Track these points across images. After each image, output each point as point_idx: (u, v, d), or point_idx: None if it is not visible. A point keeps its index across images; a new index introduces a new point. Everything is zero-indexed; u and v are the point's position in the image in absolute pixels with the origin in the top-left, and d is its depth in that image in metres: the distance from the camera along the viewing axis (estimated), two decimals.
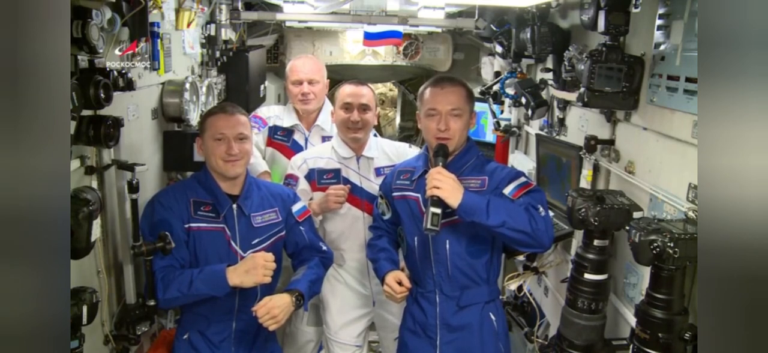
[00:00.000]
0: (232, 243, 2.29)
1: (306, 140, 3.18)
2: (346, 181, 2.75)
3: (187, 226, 2.25)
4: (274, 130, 3.21)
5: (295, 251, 2.50)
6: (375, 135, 2.96)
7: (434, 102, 2.23)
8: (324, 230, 2.84)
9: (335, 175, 2.76)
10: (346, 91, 2.73)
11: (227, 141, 2.24)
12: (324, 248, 2.54)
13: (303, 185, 2.77)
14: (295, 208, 2.48)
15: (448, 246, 2.27)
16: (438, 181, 2.06)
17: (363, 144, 2.78)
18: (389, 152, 2.84)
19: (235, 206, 2.31)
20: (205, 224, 2.27)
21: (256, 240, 2.34)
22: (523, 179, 2.21)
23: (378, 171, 2.77)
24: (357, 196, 2.74)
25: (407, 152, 2.82)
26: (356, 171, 2.77)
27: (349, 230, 2.78)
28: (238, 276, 2.14)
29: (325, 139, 3.13)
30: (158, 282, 2.18)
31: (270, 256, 2.20)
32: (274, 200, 2.44)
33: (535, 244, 2.11)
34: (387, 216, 2.50)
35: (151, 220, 2.22)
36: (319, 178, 2.77)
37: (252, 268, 2.15)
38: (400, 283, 2.32)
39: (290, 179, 2.79)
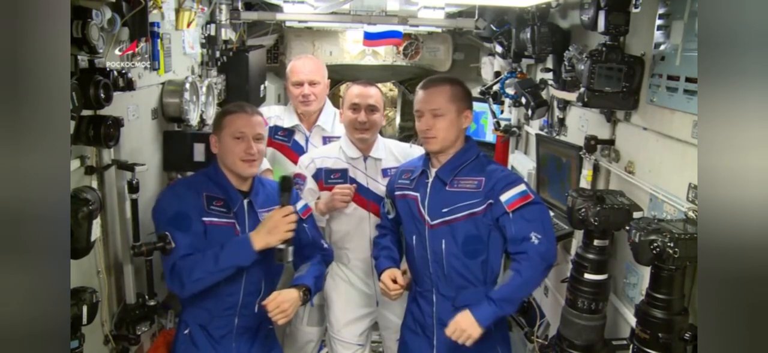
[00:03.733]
0: None
1: (307, 140, 3.18)
2: (353, 181, 2.77)
3: (202, 220, 2.25)
4: (274, 130, 3.21)
5: (298, 248, 2.50)
6: None
7: (419, 103, 2.29)
8: (330, 229, 2.85)
9: (342, 175, 2.77)
10: (354, 91, 2.74)
11: (247, 140, 2.25)
12: (325, 245, 2.56)
13: (310, 184, 2.79)
14: (298, 206, 2.49)
15: (443, 246, 2.27)
16: (464, 332, 2.12)
17: (370, 145, 2.79)
18: (397, 153, 2.84)
19: (246, 202, 2.33)
20: (217, 218, 2.27)
21: None
22: (523, 188, 2.21)
23: (385, 172, 2.77)
24: (363, 196, 2.75)
25: (414, 154, 2.83)
26: (363, 172, 2.78)
27: (354, 230, 2.79)
28: (262, 237, 2.16)
29: (326, 139, 3.13)
30: (180, 270, 2.15)
31: (290, 208, 2.20)
32: (278, 196, 2.46)
33: (546, 273, 2.25)
34: (391, 215, 2.53)
35: (168, 213, 2.21)
36: (326, 177, 2.78)
37: (273, 227, 2.16)
38: (395, 281, 2.34)
39: (298, 179, 2.81)
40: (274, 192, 2.46)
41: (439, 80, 2.34)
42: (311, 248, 2.50)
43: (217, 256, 2.15)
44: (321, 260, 2.50)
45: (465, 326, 2.12)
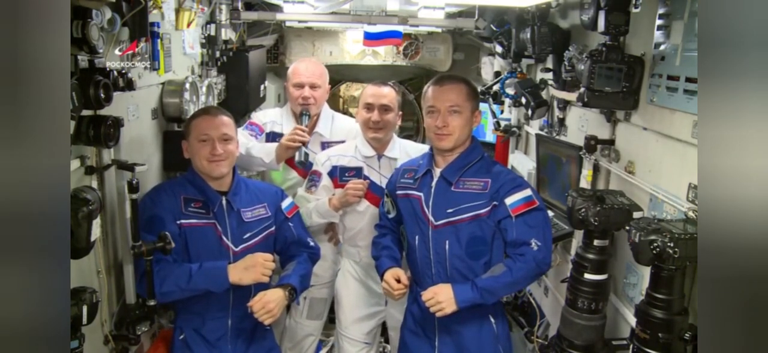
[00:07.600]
0: (224, 238, 2.33)
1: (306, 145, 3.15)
2: (367, 179, 2.80)
3: (178, 222, 2.28)
4: (272, 136, 3.18)
5: (284, 246, 2.53)
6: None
7: (434, 100, 2.27)
8: (343, 226, 2.89)
9: (357, 173, 2.82)
10: (369, 91, 2.80)
11: (211, 142, 2.30)
12: (311, 243, 2.58)
13: (325, 181, 2.83)
14: (284, 204, 2.53)
15: (447, 247, 2.27)
16: (439, 304, 2.16)
17: (384, 144, 2.83)
18: (412, 153, 2.86)
19: (224, 200, 2.35)
20: (196, 220, 2.31)
21: (247, 234, 2.38)
22: (528, 193, 2.22)
23: None
24: (377, 194, 2.77)
25: None
26: (377, 171, 2.82)
27: (367, 228, 2.81)
28: (237, 273, 2.22)
29: (325, 145, 3.12)
30: (153, 276, 2.18)
31: (270, 256, 2.25)
32: (263, 195, 2.50)
33: (535, 279, 2.38)
34: (392, 215, 2.53)
35: (143, 218, 2.23)
36: (341, 175, 2.83)
37: (251, 266, 2.22)
38: (398, 281, 2.34)
39: (314, 176, 2.87)
40: (259, 192, 2.51)
41: (453, 78, 2.35)
42: (297, 247, 2.53)
43: (191, 275, 2.19)
44: (307, 259, 2.53)
45: (442, 299, 2.15)
